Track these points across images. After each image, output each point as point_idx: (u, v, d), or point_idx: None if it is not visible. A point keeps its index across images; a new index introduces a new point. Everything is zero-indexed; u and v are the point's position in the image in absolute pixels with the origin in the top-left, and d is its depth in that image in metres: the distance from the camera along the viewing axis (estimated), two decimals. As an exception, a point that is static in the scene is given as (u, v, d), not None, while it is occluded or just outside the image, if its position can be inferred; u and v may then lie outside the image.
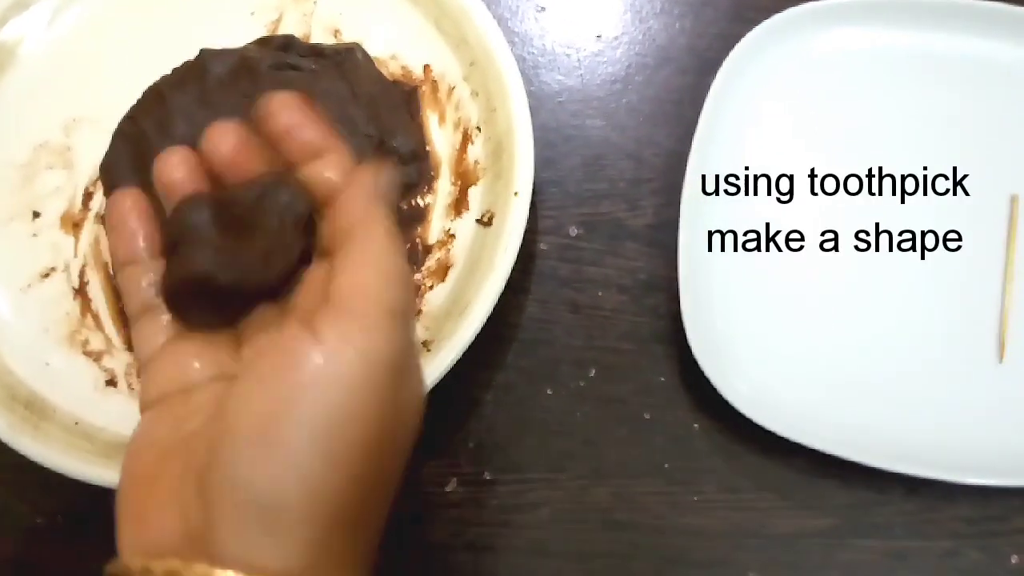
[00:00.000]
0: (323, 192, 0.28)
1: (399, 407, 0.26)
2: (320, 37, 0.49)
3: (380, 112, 0.45)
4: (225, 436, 0.24)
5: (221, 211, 0.28)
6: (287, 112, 0.28)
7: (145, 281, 0.29)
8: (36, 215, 0.46)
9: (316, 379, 0.23)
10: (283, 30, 0.49)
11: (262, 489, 0.23)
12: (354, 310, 0.24)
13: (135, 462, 0.27)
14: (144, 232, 0.29)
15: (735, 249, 0.45)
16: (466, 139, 0.46)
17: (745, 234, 0.45)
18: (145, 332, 0.29)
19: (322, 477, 0.23)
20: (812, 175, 0.47)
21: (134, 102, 0.45)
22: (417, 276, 0.44)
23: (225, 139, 0.28)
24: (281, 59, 0.45)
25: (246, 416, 0.24)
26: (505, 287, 0.41)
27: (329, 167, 0.28)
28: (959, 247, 0.45)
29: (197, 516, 0.24)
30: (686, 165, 0.44)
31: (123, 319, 0.44)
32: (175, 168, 0.29)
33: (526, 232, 0.42)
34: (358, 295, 0.25)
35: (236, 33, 0.48)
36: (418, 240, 0.45)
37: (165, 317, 0.29)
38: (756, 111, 0.47)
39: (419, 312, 0.43)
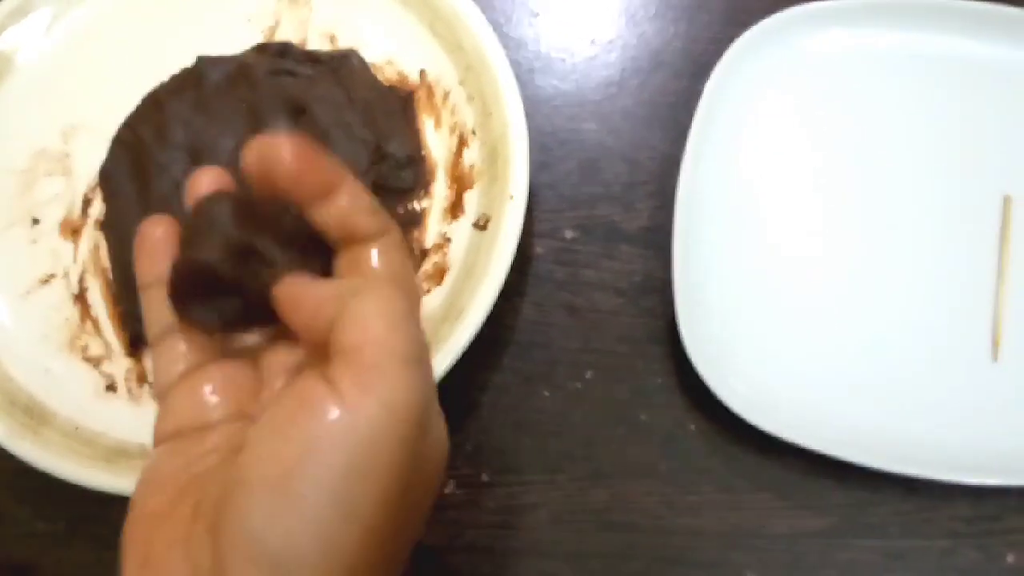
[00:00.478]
0: (338, 228, 0.27)
1: (420, 459, 0.25)
2: (316, 43, 0.49)
3: (376, 117, 0.45)
4: (240, 486, 0.23)
5: (242, 209, 0.27)
6: (289, 158, 0.26)
7: (167, 303, 0.28)
8: (35, 221, 0.46)
9: (334, 431, 0.23)
10: (280, 36, 0.49)
11: (276, 543, 0.22)
12: (367, 361, 0.23)
13: (145, 497, 0.26)
14: (171, 256, 0.28)
15: (730, 251, 0.45)
16: (462, 143, 0.46)
17: (740, 236, 0.46)
18: (164, 358, 0.28)
19: (338, 531, 0.23)
20: (806, 177, 0.47)
21: (132, 109, 0.46)
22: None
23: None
24: (278, 65, 0.46)
25: (262, 467, 0.23)
26: (501, 290, 0.41)
27: (342, 202, 0.27)
28: (953, 248, 0.45)
29: (206, 564, 0.23)
30: (680, 168, 0.45)
31: (122, 323, 0.44)
32: (207, 185, 0.28)
33: (522, 235, 0.42)
34: (369, 347, 0.24)
35: (233, 40, 0.48)
36: (414, 244, 0.45)
37: (184, 343, 0.28)
38: (750, 113, 0.48)
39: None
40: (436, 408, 0.27)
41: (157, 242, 0.29)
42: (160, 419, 0.28)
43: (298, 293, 0.26)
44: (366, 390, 0.23)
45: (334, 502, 0.22)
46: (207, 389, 0.27)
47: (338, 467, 0.22)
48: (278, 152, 0.26)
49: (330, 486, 0.22)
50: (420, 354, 0.25)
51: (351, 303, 0.24)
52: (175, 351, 0.28)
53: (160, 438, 0.27)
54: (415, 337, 0.25)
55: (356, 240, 0.28)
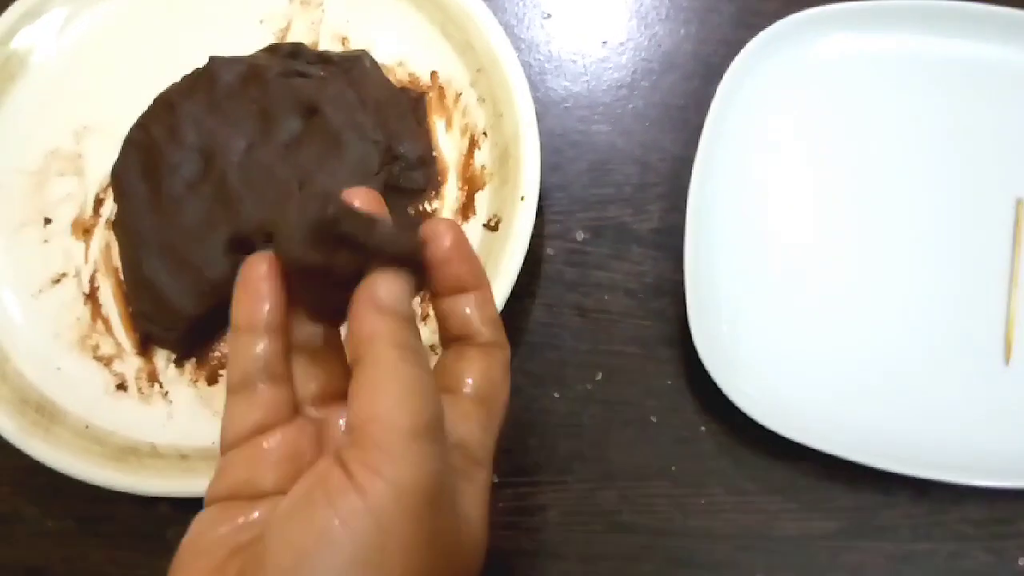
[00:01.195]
0: (457, 326, 0.29)
1: (443, 538, 0.25)
2: (328, 44, 0.49)
3: (387, 118, 0.45)
4: (261, 565, 0.23)
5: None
6: (447, 242, 0.28)
7: (257, 351, 0.27)
8: (47, 221, 0.47)
9: (345, 518, 0.22)
10: (291, 38, 0.49)
11: None
12: (374, 441, 0.23)
13: (188, 563, 0.25)
14: (272, 302, 0.27)
15: (741, 253, 0.45)
16: (473, 144, 0.46)
17: (751, 238, 0.46)
18: (239, 409, 0.27)
19: None
20: (817, 179, 0.47)
21: (144, 110, 0.46)
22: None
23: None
24: (290, 66, 0.46)
25: (281, 548, 0.23)
26: (512, 291, 0.41)
27: (470, 304, 0.29)
28: (965, 251, 0.45)
29: None
30: (691, 170, 0.45)
31: (133, 323, 0.44)
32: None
33: (532, 236, 0.42)
34: (373, 424, 0.23)
35: (245, 41, 0.48)
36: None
37: (263, 396, 0.27)
38: (761, 116, 0.48)
39: (425, 316, 0.44)
40: (456, 478, 0.27)
41: (258, 284, 0.27)
42: (217, 477, 0.27)
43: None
44: (374, 471, 0.23)
45: None
46: (267, 457, 0.27)
47: (349, 555, 0.22)
48: (444, 230, 0.28)
49: (344, 572, 0.22)
50: (429, 422, 0.24)
51: (358, 373, 0.25)
52: (250, 404, 0.27)
53: (212, 498, 0.27)
54: (422, 408, 0.24)
55: (467, 342, 0.29)
